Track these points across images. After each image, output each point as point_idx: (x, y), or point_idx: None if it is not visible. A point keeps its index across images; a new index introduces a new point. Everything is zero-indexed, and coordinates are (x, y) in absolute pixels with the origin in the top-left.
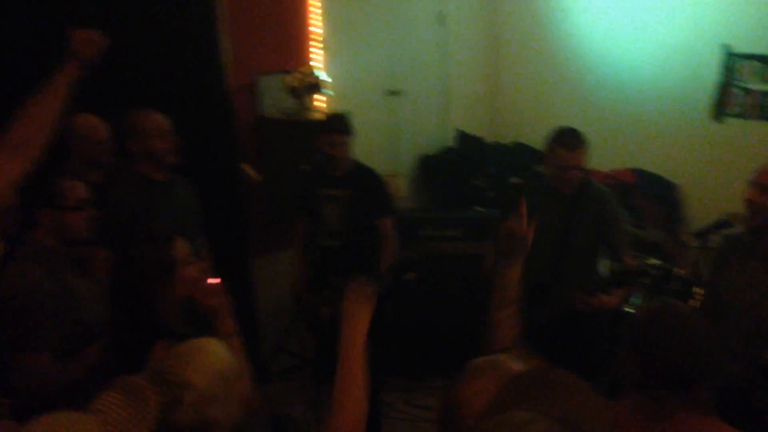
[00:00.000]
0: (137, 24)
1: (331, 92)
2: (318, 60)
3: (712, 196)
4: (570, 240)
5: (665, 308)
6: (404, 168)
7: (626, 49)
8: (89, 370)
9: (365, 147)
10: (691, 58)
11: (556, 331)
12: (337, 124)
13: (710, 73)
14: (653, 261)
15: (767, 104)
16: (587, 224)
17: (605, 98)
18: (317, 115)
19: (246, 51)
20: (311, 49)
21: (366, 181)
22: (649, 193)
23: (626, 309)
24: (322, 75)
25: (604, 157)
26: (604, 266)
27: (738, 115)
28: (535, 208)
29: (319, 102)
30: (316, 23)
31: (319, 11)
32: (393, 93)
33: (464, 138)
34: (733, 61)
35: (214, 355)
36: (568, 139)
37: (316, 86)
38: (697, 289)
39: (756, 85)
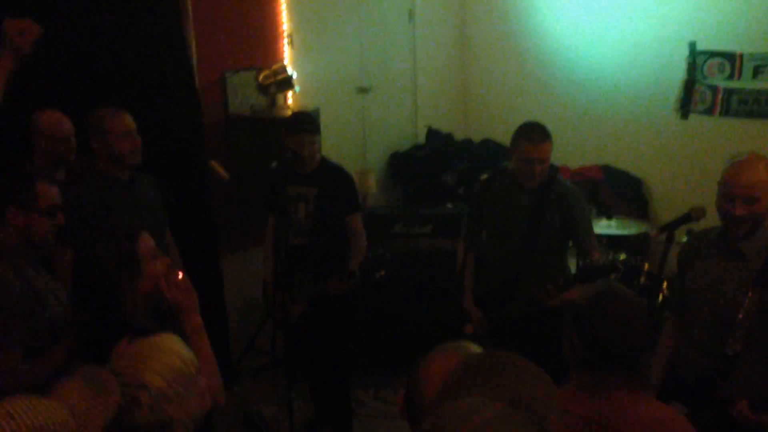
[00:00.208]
0: (104, 20)
1: (300, 89)
2: (287, 57)
3: (678, 191)
4: (537, 235)
5: (606, 293)
6: (374, 165)
7: (594, 47)
8: (56, 369)
9: (335, 144)
10: (658, 55)
11: (524, 326)
12: (305, 122)
13: (676, 71)
14: (621, 256)
15: (732, 101)
16: (554, 220)
17: (573, 95)
18: (286, 113)
19: (214, 48)
20: (280, 46)
21: (334, 179)
22: (617, 189)
23: None
24: (292, 72)
25: (572, 153)
26: (572, 263)
27: (704, 112)
28: (501, 204)
29: (289, 99)
30: (285, 20)
31: (288, 7)
32: (363, 90)
33: (434, 135)
34: (698, 58)
35: (171, 353)
36: (533, 133)
37: (285, 83)
38: (663, 284)
39: (721, 82)
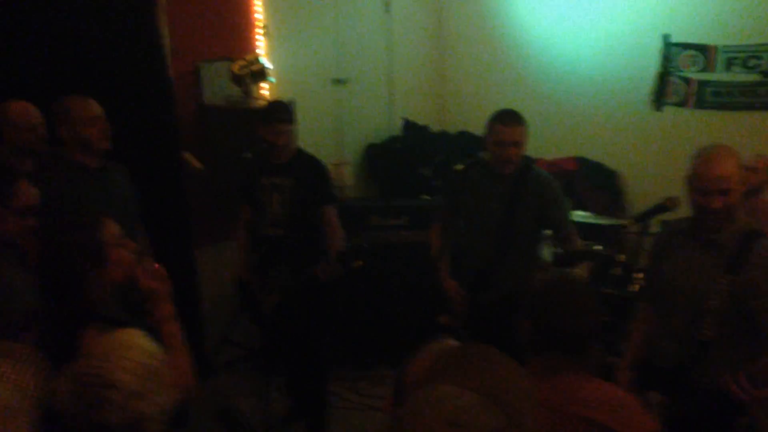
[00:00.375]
0: (75, 10)
1: (275, 80)
2: (262, 47)
3: (651, 183)
4: (512, 224)
5: (558, 280)
6: (350, 157)
7: (569, 40)
8: None
9: (311, 136)
10: (632, 48)
11: (500, 314)
12: (279, 112)
13: (650, 63)
14: (596, 247)
15: (706, 93)
16: (529, 208)
17: (548, 87)
18: (260, 103)
19: (188, 37)
20: (255, 36)
21: (309, 169)
22: (592, 181)
23: None
24: (267, 62)
25: (547, 145)
26: (547, 252)
27: (677, 104)
28: (477, 193)
29: (263, 90)
30: (260, 10)
31: None
32: (338, 81)
33: (410, 127)
34: (672, 50)
35: (138, 349)
36: (506, 116)
37: (260, 74)
38: (636, 275)
39: (695, 74)
